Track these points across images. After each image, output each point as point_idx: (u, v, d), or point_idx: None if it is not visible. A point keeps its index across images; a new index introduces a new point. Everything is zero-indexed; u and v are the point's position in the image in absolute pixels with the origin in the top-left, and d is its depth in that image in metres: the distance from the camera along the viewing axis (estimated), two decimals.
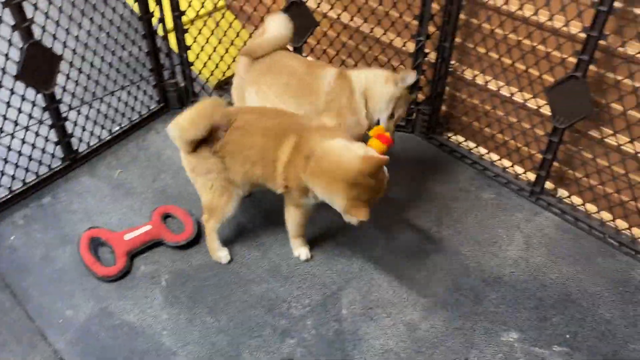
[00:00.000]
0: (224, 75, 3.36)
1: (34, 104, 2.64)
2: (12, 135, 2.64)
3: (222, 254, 2.50)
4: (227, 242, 2.57)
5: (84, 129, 2.91)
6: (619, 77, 2.24)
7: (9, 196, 2.69)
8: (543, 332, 2.25)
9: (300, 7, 2.85)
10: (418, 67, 2.87)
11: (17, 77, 2.47)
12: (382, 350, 2.19)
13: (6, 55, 2.41)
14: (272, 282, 2.43)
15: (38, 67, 2.51)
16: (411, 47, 2.86)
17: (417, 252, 2.56)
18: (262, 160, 2.23)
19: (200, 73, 3.31)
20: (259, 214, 2.72)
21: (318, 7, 2.97)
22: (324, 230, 2.64)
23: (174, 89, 3.26)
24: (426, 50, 2.83)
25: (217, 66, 3.27)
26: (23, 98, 2.57)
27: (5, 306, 2.31)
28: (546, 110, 2.53)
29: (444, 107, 3.01)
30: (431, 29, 2.74)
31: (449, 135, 3.09)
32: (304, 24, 2.91)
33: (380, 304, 2.35)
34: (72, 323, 2.26)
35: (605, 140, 2.42)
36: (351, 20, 2.94)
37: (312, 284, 2.42)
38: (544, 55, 2.41)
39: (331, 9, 2.97)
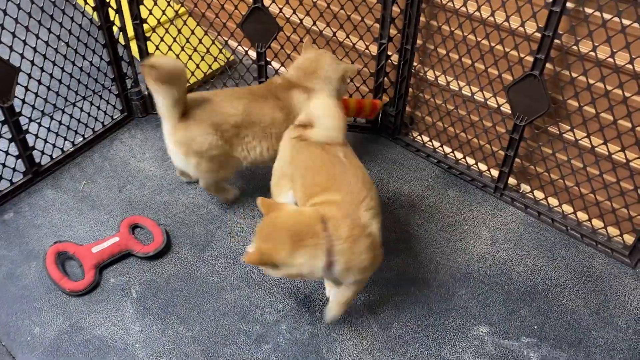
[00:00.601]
0: (187, 82, 3.33)
1: None
2: None
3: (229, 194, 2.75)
4: (197, 249, 2.56)
5: (45, 142, 2.85)
6: (574, 75, 2.31)
7: None
8: (512, 324, 2.31)
9: (262, 11, 2.86)
10: (381, 69, 2.91)
11: None
12: (357, 350, 2.22)
13: None
14: (244, 289, 2.43)
15: None
16: (374, 49, 2.90)
17: (387, 252, 2.58)
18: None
19: None
20: (229, 220, 2.71)
21: (280, 12, 2.98)
22: None
23: (138, 98, 3.22)
24: (389, 53, 2.87)
25: (192, 73, 3.25)
26: None
27: None
28: (506, 109, 2.60)
29: (408, 108, 3.06)
30: (393, 31, 2.78)
31: (414, 135, 3.14)
32: (266, 28, 2.93)
33: (353, 304, 2.37)
34: (40, 340, 2.21)
35: (564, 135, 2.50)
36: (313, 24, 2.96)
37: (284, 288, 2.43)
38: (503, 55, 2.47)
39: (293, 13, 2.99)
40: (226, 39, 3.60)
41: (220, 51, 3.37)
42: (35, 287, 2.39)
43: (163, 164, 2.97)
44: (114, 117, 3.20)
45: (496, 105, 2.64)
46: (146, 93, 3.24)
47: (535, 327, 2.31)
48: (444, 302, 2.39)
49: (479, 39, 2.53)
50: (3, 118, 2.57)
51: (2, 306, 2.32)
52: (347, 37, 2.93)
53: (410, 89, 2.96)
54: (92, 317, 2.30)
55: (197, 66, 3.26)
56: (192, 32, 3.14)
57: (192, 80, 3.36)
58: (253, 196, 2.81)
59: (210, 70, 3.43)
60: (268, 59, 3.09)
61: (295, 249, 1.84)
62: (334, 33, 2.93)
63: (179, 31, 3.09)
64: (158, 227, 2.59)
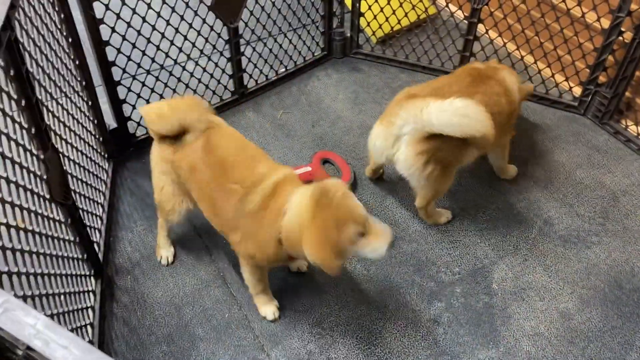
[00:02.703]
0: (392, 29, 3.32)
1: (219, 35, 2.77)
2: (196, 63, 2.80)
3: (164, 253, 2.33)
4: (379, 196, 2.59)
5: (255, 66, 3.02)
6: None
7: None
8: None
9: None
10: (608, 45, 2.65)
11: (210, 8, 2.60)
12: (533, 332, 2.13)
13: None
14: (422, 244, 2.43)
15: (229, 0, 2.63)
16: (605, 23, 2.64)
17: (576, 242, 2.43)
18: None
19: (368, 25, 3.29)
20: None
21: None
22: (472, 203, 2.58)
23: (340, 38, 3.27)
24: (622, 29, 2.59)
25: (386, 20, 3.23)
26: (211, 28, 2.71)
27: None
28: None
29: (628, 93, 2.77)
30: (634, 5, 2.50)
31: (628, 123, 2.85)
32: None
33: (534, 286, 2.27)
34: None
35: None
36: None
37: (462, 253, 2.39)
38: None
39: None
40: None
41: (421, 0, 3.25)
42: None
43: (354, 108, 3.02)
44: (315, 54, 3.30)
45: None
46: (348, 35, 3.28)
47: None
48: (637, 308, 2.20)
49: None
50: (227, 37, 2.76)
51: None
52: (578, 4, 2.69)
53: (638, 72, 2.67)
54: None
55: (406, 15, 3.21)
56: None
57: (396, 28, 3.33)
58: None
59: (407, 20, 3.36)
60: (482, 18, 2.95)
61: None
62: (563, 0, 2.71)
63: None
64: (347, 166, 2.65)
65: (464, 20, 3.02)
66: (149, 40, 2.55)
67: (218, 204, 1.93)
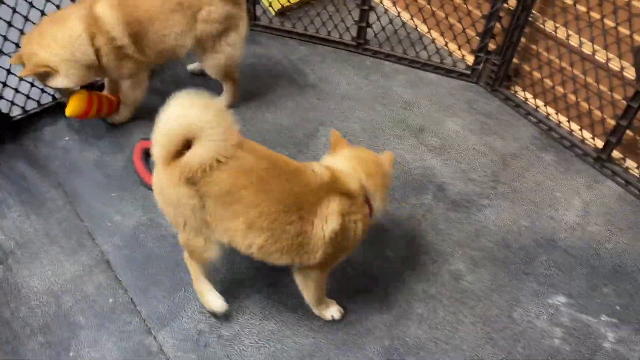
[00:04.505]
0: (289, 1, 3.24)
1: None
2: None
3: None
4: None
5: None
6: None
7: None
8: (592, 300, 2.18)
9: None
10: (494, 13, 2.70)
11: None
12: (425, 295, 2.16)
13: None
14: None
15: None
16: None
17: (468, 206, 2.48)
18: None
19: None
20: (310, 142, 2.66)
21: None
22: None
23: None
24: None
25: None
26: None
27: (57, 204, 2.34)
28: (630, 73, 2.37)
29: (515, 60, 2.85)
30: None
31: (516, 89, 2.94)
32: None
33: (426, 250, 2.30)
34: (119, 228, 2.28)
35: None
36: None
37: None
38: None
39: None
40: None
41: None
42: (120, 177, 2.45)
43: (253, 82, 2.93)
44: None
45: (618, 68, 2.41)
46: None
47: (618, 307, 2.17)
48: (523, 265, 2.28)
49: None
50: None
51: (88, 189, 2.40)
52: None
53: (523, 39, 2.75)
54: None
55: None
56: None
57: (293, 0, 3.26)
58: (346, 132, 2.75)
59: None
60: None
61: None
62: None
63: None
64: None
65: None
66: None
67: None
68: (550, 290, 2.20)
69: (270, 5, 3.28)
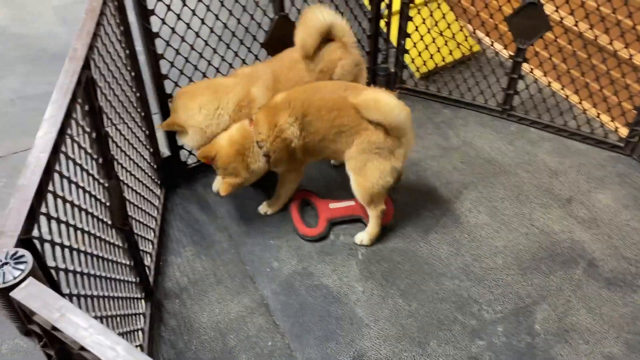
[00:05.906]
0: (435, 66, 3.39)
1: None
2: None
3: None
4: (422, 230, 2.62)
5: None
6: None
7: None
8: None
9: (536, 8, 2.77)
10: None
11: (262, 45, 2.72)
12: None
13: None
14: (464, 281, 2.44)
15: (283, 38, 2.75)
16: None
17: (622, 285, 2.40)
18: None
19: (412, 61, 3.37)
20: (456, 210, 2.72)
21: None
22: (514, 242, 2.58)
23: (384, 74, 3.35)
24: None
25: (431, 57, 3.30)
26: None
27: (223, 246, 2.59)
28: None
29: None
30: None
31: None
32: (535, 25, 2.83)
33: (577, 329, 2.25)
34: (277, 274, 2.47)
35: None
36: (590, 29, 2.78)
37: (505, 291, 2.39)
38: None
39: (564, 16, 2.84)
40: (474, 28, 3.56)
41: (466, 39, 3.33)
42: (278, 226, 2.67)
43: None
44: None
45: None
46: (392, 71, 3.36)
47: None
48: None
49: None
50: None
51: (250, 235, 2.63)
52: (627, 46, 2.70)
53: None
54: (321, 266, 2.50)
55: (450, 52, 3.28)
56: (443, 17, 3.15)
57: (440, 64, 3.40)
58: (490, 197, 2.80)
59: (451, 58, 3.43)
60: (527, 57, 2.99)
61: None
62: (610, 42, 2.73)
63: (431, 14, 3.13)
64: (390, 202, 2.70)
65: (509, 59, 3.06)
66: (204, 75, 2.68)
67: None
68: None
69: (417, 70, 3.43)
